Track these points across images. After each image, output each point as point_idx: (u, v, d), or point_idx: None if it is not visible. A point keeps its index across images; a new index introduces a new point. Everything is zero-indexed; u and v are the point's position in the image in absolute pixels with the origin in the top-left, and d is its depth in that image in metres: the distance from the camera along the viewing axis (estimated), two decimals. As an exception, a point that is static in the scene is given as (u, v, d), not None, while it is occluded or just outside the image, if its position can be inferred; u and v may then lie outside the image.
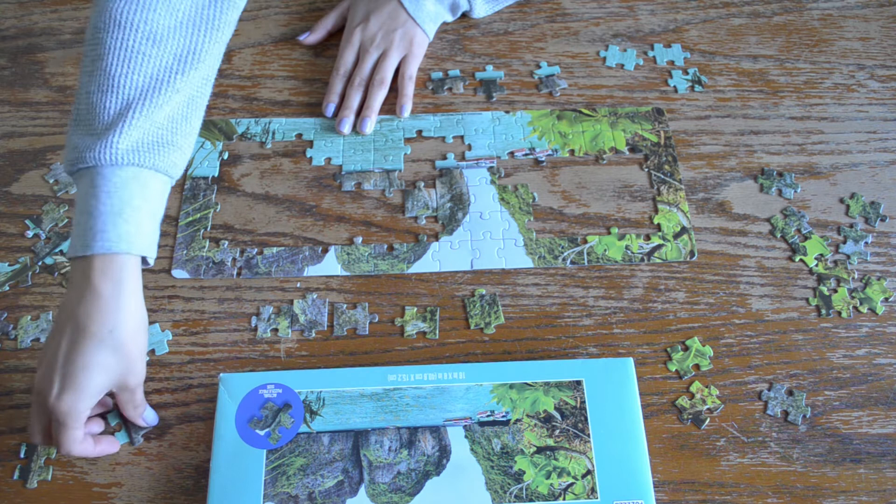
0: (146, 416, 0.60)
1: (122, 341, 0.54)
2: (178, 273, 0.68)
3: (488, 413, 0.58)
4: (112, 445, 0.59)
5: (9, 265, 0.69)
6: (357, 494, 0.56)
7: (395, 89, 0.78)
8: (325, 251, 0.70)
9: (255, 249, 0.70)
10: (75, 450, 0.55)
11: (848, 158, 0.75)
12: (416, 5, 0.78)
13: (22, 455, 0.60)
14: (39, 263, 0.69)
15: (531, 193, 0.73)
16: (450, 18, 0.82)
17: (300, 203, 0.73)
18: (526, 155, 0.75)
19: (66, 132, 0.57)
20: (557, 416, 0.58)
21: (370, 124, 0.76)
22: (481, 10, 0.83)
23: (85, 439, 0.56)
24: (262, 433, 0.57)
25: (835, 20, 0.85)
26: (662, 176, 0.74)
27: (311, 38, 0.82)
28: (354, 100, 0.77)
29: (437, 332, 0.65)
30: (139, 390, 0.58)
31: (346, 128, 0.76)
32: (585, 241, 0.70)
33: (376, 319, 0.66)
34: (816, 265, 0.69)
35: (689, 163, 0.75)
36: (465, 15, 0.84)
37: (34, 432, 0.56)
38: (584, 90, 0.80)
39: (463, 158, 0.75)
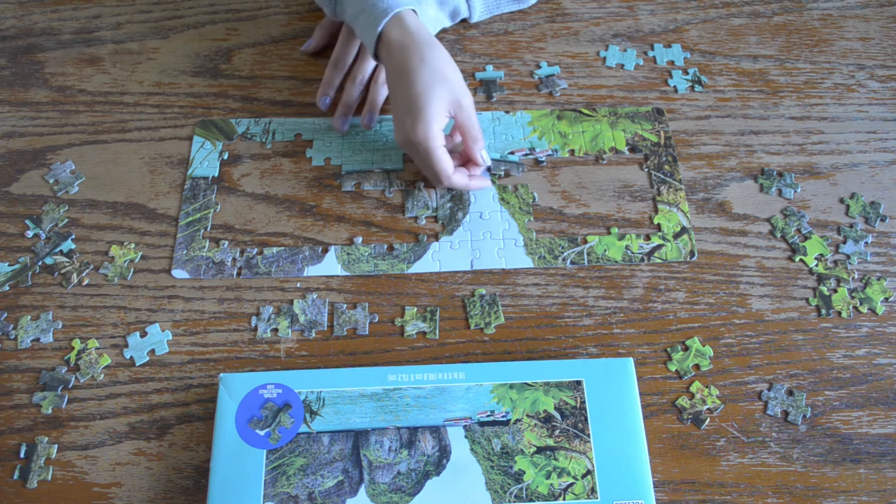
0: (484, 154, 0.70)
1: (439, 68, 0.65)
2: (178, 273, 0.68)
3: (488, 413, 0.58)
4: (485, 181, 0.71)
5: (9, 265, 0.69)
6: (357, 494, 0.56)
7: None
8: (325, 251, 0.70)
9: (255, 249, 0.70)
10: (454, 180, 0.68)
11: (848, 158, 0.75)
12: (419, 9, 0.78)
13: (22, 455, 0.60)
14: (39, 263, 0.69)
15: (531, 193, 0.73)
16: (449, 24, 0.82)
17: (300, 203, 0.73)
18: (526, 155, 0.75)
19: None
20: (557, 416, 0.58)
21: (375, 118, 0.76)
22: (479, 17, 0.83)
23: (458, 171, 0.69)
24: (262, 433, 0.57)
25: (835, 20, 0.85)
26: (662, 176, 0.74)
27: (312, 44, 0.82)
28: (355, 98, 0.77)
29: (437, 332, 0.65)
30: (472, 113, 0.68)
31: (347, 126, 0.76)
32: (585, 241, 0.70)
33: (376, 319, 0.66)
34: (816, 265, 0.69)
35: (689, 163, 0.75)
36: (463, 20, 0.84)
37: (437, 176, 0.68)
38: (584, 90, 0.80)
39: (463, 158, 0.75)
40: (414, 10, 0.69)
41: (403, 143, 0.67)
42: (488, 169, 0.73)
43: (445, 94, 0.66)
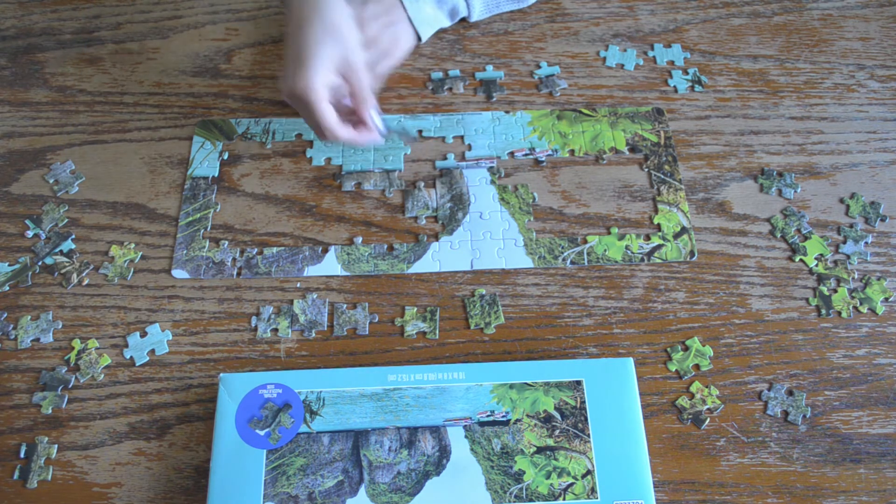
0: (373, 115, 0.66)
1: (334, 23, 0.62)
2: (178, 273, 0.68)
3: (488, 413, 0.58)
4: (372, 134, 0.66)
5: (9, 265, 0.69)
6: (357, 494, 0.56)
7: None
8: (325, 251, 0.70)
9: (255, 249, 0.70)
10: (338, 132, 0.64)
11: (848, 158, 0.75)
12: (416, 6, 0.78)
13: (22, 455, 0.60)
14: (39, 263, 0.69)
15: (531, 193, 0.73)
16: (447, 24, 0.82)
17: (300, 203, 0.73)
18: (526, 155, 0.75)
19: None
20: (557, 416, 0.58)
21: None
22: (478, 16, 0.83)
23: (343, 124, 0.64)
24: (262, 433, 0.57)
25: (835, 20, 0.85)
26: (662, 176, 0.74)
27: None
28: None
29: (437, 332, 0.65)
30: (362, 73, 0.64)
31: None
32: (585, 241, 0.70)
33: (376, 319, 0.66)
34: (816, 265, 0.69)
35: (689, 163, 0.75)
36: (462, 20, 0.84)
37: (319, 130, 0.64)
38: (584, 90, 0.80)
39: (463, 158, 0.75)
40: None
41: (287, 94, 0.64)
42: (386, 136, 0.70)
43: (335, 51, 0.62)
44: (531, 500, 0.55)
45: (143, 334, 0.65)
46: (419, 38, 0.80)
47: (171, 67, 0.82)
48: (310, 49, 0.62)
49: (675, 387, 0.63)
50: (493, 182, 0.73)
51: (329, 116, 0.63)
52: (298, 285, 0.68)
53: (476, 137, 0.76)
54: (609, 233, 0.70)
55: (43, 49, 0.83)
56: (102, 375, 0.63)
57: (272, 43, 0.84)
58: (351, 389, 0.59)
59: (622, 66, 0.81)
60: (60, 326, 0.66)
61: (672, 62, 0.82)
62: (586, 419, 0.58)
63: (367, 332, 0.66)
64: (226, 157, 0.75)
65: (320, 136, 0.66)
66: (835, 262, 0.69)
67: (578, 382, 0.59)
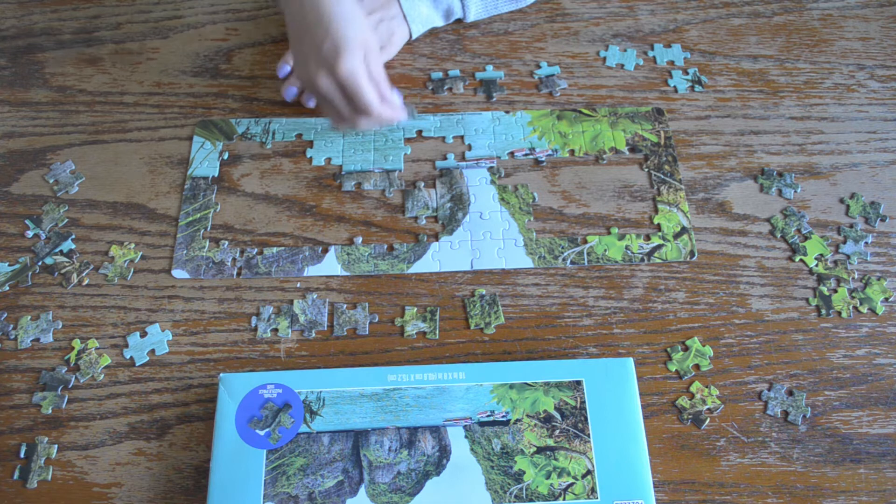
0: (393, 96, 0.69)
1: (352, 9, 0.64)
2: (178, 273, 0.68)
3: (488, 413, 0.58)
4: (398, 111, 0.69)
5: (9, 265, 0.69)
6: (357, 494, 0.56)
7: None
8: (325, 251, 0.70)
9: (255, 249, 0.70)
10: (382, 110, 0.66)
11: (848, 158, 0.75)
12: (411, 4, 0.78)
13: (22, 455, 0.60)
14: (39, 263, 0.69)
15: (531, 193, 0.73)
16: (441, 24, 0.82)
17: (300, 203, 0.73)
18: (526, 155, 0.75)
19: None
20: (557, 416, 0.58)
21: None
22: (474, 17, 0.83)
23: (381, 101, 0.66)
24: (262, 433, 0.57)
25: (835, 20, 0.85)
26: (662, 176, 0.74)
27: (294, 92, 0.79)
28: None
29: (437, 332, 0.65)
30: (378, 54, 0.66)
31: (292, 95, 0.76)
32: (585, 241, 0.70)
33: (376, 319, 0.66)
34: (816, 265, 0.69)
35: (689, 163, 0.75)
36: (458, 20, 0.84)
37: (334, 120, 0.68)
38: (584, 90, 0.80)
39: (463, 158, 0.75)
40: None
41: (321, 83, 0.65)
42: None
43: (359, 35, 0.64)
44: (531, 500, 0.55)
45: (143, 334, 0.65)
46: (411, 35, 0.80)
47: (171, 67, 0.82)
48: (344, 32, 0.63)
49: (675, 387, 0.63)
50: (493, 182, 0.73)
51: (374, 94, 0.66)
52: (298, 285, 0.68)
53: (476, 137, 0.76)
54: (609, 233, 0.70)
55: (43, 49, 0.83)
56: (102, 375, 0.63)
57: (272, 43, 0.84)
58: (351, 389, 0.59)
59: (622, 66, 0.81)
60: (60, 326, 0.66)
61: (672, 62, 0.82)
62: (586, 419, 0.58)
63: (367, 332, 0.66)
64: (226, 157, 0.75)
65: (351, 122, 0.68)
66: (835, 262, 0.69)
67: (578, 382, 0.59)
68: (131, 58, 0.83)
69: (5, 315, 0.66)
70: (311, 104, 0.77)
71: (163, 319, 0.66)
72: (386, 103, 0.68)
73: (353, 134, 0.76)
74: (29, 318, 0.66)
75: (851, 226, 0.71)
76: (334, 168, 0.75)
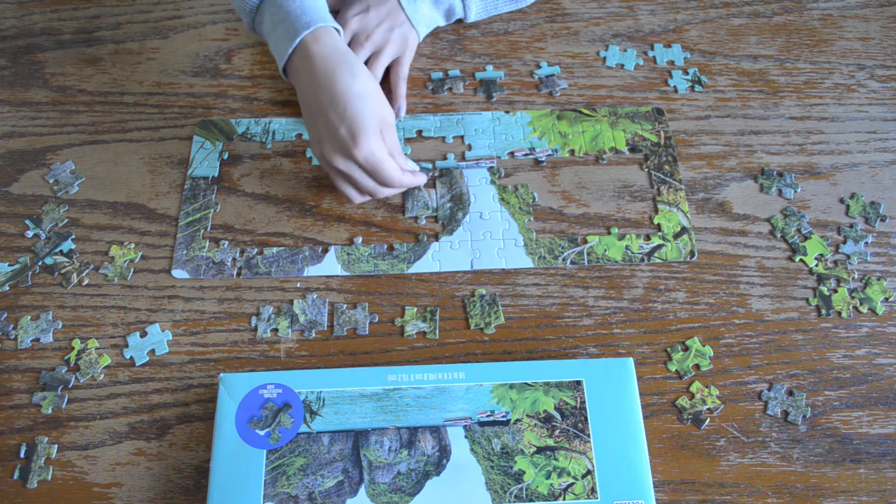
0: (409, 162, 0.70)
1: (369, 85, 0.65)
2: (178, 273, 0.68)
3: (488, 413, 0.58)
4: (418, 176, 0.71)
5: (9, 265, 0.69)
6: (357, 494, 0.56)
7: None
8: (325, 251, 0.70)
9: (255, 249, 0.70)
10: (404, 179, 0.68)
11: (848, 158, 0.75)
12: (413, 6, 0.78)
13: (22, 455, 0.60)
14: (39, 263, 0.69)
15: (531, 193, 0.73)
16: (443, 24, 0.82)
17: (300, 203, 0.73)
18: (526, 155, 0.75)
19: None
20: (557, 416, 0.58)
21: (404, 108, 0.78)
22: (475, 17, 0.83)
23: (402, 171, 0.68)
24: (262, 433, 0.57)
25: (835, 20, 0.85)
26: (662, 176, 0.74)
27: None
28: None
29: (437, 332, 0.65)
30: (394, 129, 0.68)
31: None
32: (585, 241, 0.70)
33: (376, 319, 0.66)
34: (816, 265, 0.69)
35: (689, 163, 0.75)
36: (458, 20, 0.84)
37: (352, 196, 0.68)
38: (584, 90, 0.80)
39: (463, 158, 0.75)
40: (337, 29, 0.68)
41: (337, 161, 0.65)
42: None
43: (376, 110, 0.65)
44: (531, 500, 0.55)
45: (143, 334, 0.65)
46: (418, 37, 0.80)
47: (171, 67, 0.82)
48: (361, 112, 0.64)
49: (675, 387, 0.63)
50: (493, 182, 0.73)
51: (395, 168, 0.66)
52: (298, 285, 0.68)
53: (476, 137, 0.76)
54: (609, 233, 0.70)
55: (43, 49, 0.84)
56: (102, 375, 0.63)
57: (272, 43, 0.84)
58: (351, 389, 0.59)
59: (622, 66, 0.81)
60: (60, 326, 0.66)
61: (672, 62, 0.82)
62: (586, 419, 0.58)
63: (367, 332, 0.66)
64: (226, 157, 0.75)
65: (377, 193, 0.68)
66: (835, 262, 0.69)
67: (578, 382, 0.59)
68: (131, 58, 0.83)
69: (5, 315, 0.66)
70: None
71: (163, 319, 0.66)
72: (406, 173, 0.69)
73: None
74: (29, 318, 0.66)
75: (851, 226, 0.71)
76: (334, 168, 0.75)
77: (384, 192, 0.69)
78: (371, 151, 0.64)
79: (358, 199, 0.69)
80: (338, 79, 0.64)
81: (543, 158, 0.75)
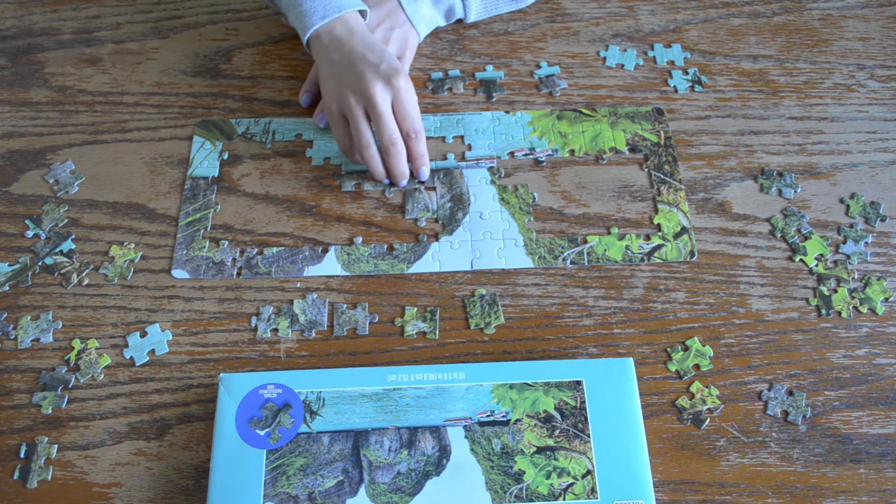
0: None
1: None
2: (178, 273, 0.68)
3: (488, 413, 0.58)
4: (406, 177, 0.73)
5: (9, 265, 0.69)
6: (357, 494, 0.56)
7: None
8: (325, 251, 0.70)
9: (255, 249, 0.70)
10: (422, 130, 0.71)
11: (848, 158, 0.75)
12: (414, 7, 0.78)
13: (22, 455, 0.60)
14: (39, 263, 0.69)
15: (531, 193, 0.73)
16: (443, 24, 0.82)
17: (300, 203, 0.73)
18: (526, 155, 0.75)
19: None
20: (557, 416, 0.58)
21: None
22: (475, 17, 0.83)
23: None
24: (262, 433, 0.57)
25: (835, 20, 0.86)
26: (662, 176, 0.74)
27: (309, 97, 0.79)
28: None
29: (437, 332, 0.65)
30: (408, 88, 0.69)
31: (324, 123, 0.77)
32: (585, 241, 0.70)
33: (376, 319, 0.66)
34: (816, 265, 0.69)
35: (689, 163, 0.75)
36: (459, 21, 0.84)
37: (366, 139, 0.69)
38: (584, 90, 0.80)
39: (463, 158, 0.75)
40: (361, 12, 0.73)
41: (376, 91, 0.67)
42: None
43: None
44: (531, 500, 0.55)
45: (143, 334, 0.65)
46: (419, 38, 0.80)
47: (171, 67, 0.82)
48: (399, 62, 0.69)
49: (675, 387, 0.63)
50: (493, 182, 0.73)
51: (419, 115, 0.70)
52: (298, 285, 0.68)
53: (476, 137, 0.76)
54: (609, 233, 0.70)
55: (43, 49, 0.84)
56: (102, 375, 0.63)
57: (272, 43, 0.84)
58: (351, 389, 0.59)
59: (622, 66, 0.81)
60: (60, 326, 0.66)
61: (672, 62, 0.82)
62: (586, 419, 0.58)
63: (367, 332, 0.66)
64: (226, 157, 0.75)
65: (390, 139, 0.69)
66: (835, 262, 0.69)
67: (578, 382, 0.59)
68: (131, 58, 0.83)
69: (5, 315, 0.66)
70: (321, 124, 0.77)
71: (163, 319, 0.66)
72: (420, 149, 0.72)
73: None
74: (29, 318, 0.66)
75: (851, 226, 0.71)
76: (334, 168, 0.75)
77: (396, 154, 0.70)
78: (409, 82, 0.68)
79: (371, 147, 0.70)
80: (374, 39, 0.71)
81: (543, 158, 0.75)
